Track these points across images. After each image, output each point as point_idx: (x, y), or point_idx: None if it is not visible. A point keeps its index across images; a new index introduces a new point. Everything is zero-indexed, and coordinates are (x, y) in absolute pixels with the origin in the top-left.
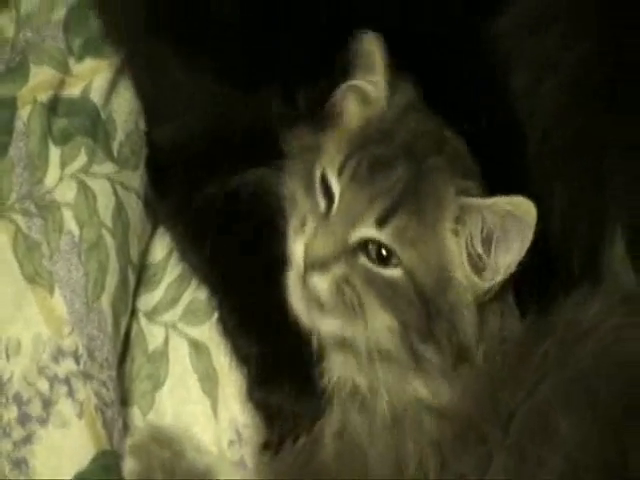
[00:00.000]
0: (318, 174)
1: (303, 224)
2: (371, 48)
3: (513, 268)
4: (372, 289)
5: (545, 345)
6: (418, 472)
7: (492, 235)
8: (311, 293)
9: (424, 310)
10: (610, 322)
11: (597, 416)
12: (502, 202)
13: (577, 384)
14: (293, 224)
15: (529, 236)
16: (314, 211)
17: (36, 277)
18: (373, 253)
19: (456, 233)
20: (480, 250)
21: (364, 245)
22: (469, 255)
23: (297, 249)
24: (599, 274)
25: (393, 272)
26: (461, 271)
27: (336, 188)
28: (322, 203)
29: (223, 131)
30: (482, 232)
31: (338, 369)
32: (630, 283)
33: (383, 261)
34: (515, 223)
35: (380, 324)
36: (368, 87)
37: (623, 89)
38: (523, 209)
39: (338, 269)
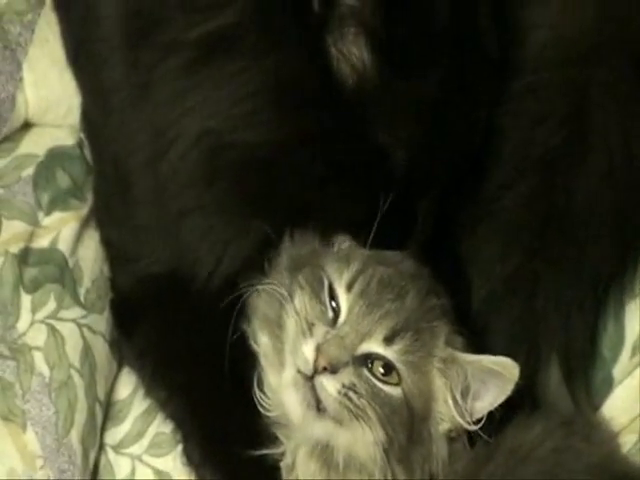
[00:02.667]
0: (326, 284)
1: (310, 326)
2: None
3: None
4: (374, 401)
5: (490, 468)
6: None
7: (471, 387)
8: (315, 395)
9: (409, 433)
10: (549, 445)
11: None
12: (487, 361)
13: None
14: (292, 328)
15: (509, 390)
16: (321, 317)
17: (9, 415)
18: (379, 368)
19: (443, 373)
20: (458, 397)
21: (370, 359)
22: (453, 396)
23: (308, 350)
24: (537, 400)
25: (393, 390)
26: (444, 407)
27: (343, 300)
28: (330, 310)
29: (184, 275)
30: (463, 383)
31: (302, 476)
32: (566, 408)
33: (385, 377)
34: (497, 380)
35: (370, 437)
36: None
37: (554, 232)
38: (508, 370)
39: (347, 376)
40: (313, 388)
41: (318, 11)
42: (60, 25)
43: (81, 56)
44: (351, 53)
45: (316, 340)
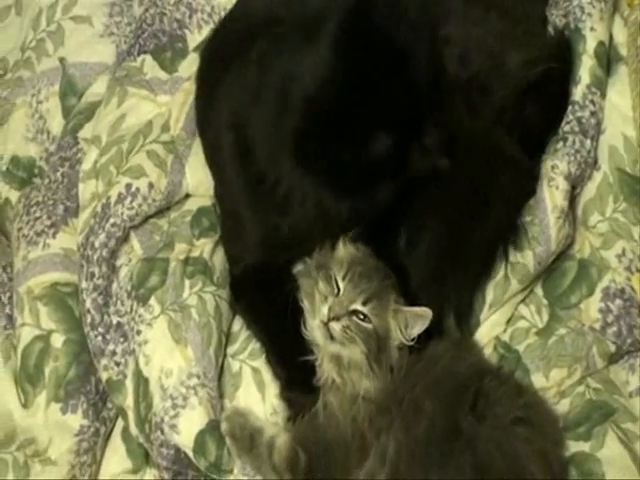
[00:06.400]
0: (332, 275)
1: (325, 298)
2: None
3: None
4: (359, 332)
5: (418, 365)
6: (360, 423)
7: (408, 322)
8: (329, 331)
9: (378, 347)
10: (448, 355)
11: (443, 399)
12: (416, 309)
13: (433, 385)
14: (318, 298)
15: (427, 323)
16: (330, 292)
17: (179, 339)
18: (360, 316)
19: (394, 317)
20: (402, 327)
21: (355, 312)
22: (400, 328)
23: (324, 309)
24: (443, 332)
25: (368, 326)
26: (395, 333)
27: (341, 283)
28: (335, 289)
29: (265, 267)
30: (404, 321)
31: (326, 372)
32: (457, 336)
33: (363, 321)
34: (421, 319)
35: (358, 350)
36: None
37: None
38: (427, 314)
39: (344, 321)
40: (327, 328)
41: None
42: (202, 143)
43: (213, 164)
44: None
45: (328, 304)
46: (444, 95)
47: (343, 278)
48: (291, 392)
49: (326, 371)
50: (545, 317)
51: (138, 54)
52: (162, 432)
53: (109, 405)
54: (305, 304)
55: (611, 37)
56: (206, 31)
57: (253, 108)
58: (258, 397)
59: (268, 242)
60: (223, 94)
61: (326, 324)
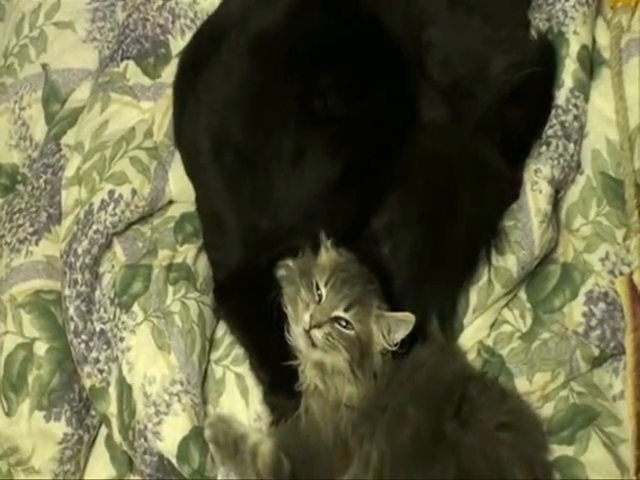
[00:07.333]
0: (314, 282)
1: (307, 305)
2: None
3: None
4: (341, 339)
5: (402, 371)
6: (343, 430)
7: (391, 327)
8: (311, 339)
9: (361, 353)
10: (432, 360)
11: (427, 405)
12: (399, 315)
13: (417, 391)
14: (300, 305)
15: (410, 328)
16: (312, 300)
17: (162, 346)
18: (342, 322)
19: (376, 322)
20: (385, 333)
21: (337, 319)
22: (382, 333)
23: (306, 316)
24: (427, 337)
25: (350, 332)
26: (378, 338)
27: (323, 290)
28: (316, 296)
29: (245, 271)
30: (387, 326)
31: (309, 378)
32: (441, 340)
33: (346, 327)
34: (404, 323)
35: (341, 357)
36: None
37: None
38: (409, 319)
39: (326, 328)
40: (309, 336)
41: None
42: (179, 149)
43: (192, 169)
44: None
45: (310, 312)
46: (426, 99)
47: (325, 284)
48: (274, 396)
49: (309, 377)
50: (529, 321)
51: (121, 60)
52: (145, 439)
53: (92, 413)
54: (288, 310)
55: (594, 40)
56: (189, 36)
57: (228, 108)
58: (242, 403)
59: (249, 242)
60: (197, 99)
61: (308, 332)
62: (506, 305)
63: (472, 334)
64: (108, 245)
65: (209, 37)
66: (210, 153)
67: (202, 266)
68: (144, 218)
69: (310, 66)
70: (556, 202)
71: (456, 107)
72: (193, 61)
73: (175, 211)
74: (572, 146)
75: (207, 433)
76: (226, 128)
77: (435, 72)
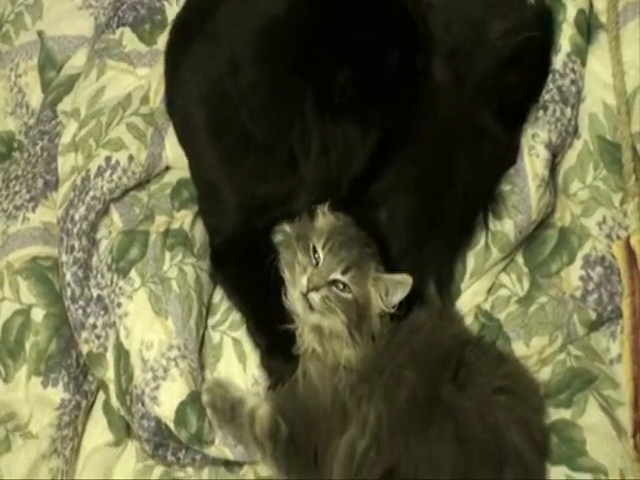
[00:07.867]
0: (312, 245)
1: (305, 268)
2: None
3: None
4: (339, 302)
5: (400, 334)
6: (341, 393)
7: (388, 290)
8: (309, 302)
9: (358, 315)
10: (430, 324)
11: (424, 368)
12: (396, 277)
13: (414, 354)
14: (297, 269)
15: (407, 291)
16: (309, 263)
17: (159, 312)
18: (339, 285)
19: (374, 285)
20: (383, 295)
21: (335, 282)
22: (380, 296)
23: (303, 280)
24: (424, 300)
25: (348, 295)
26: (376, 300)
27: (320, 253)
28: (313, 259)
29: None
30: (384, 288)
31: (307, 342)
32: (439, 305)
33: (343, 290)
34: (401, 285)
35: (338, 319)
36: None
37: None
38: (407, 280)
39: (323, 291)
40: (307, 299)
41: None
42: (171, 119)
43: (185, 137)
44: None
45: (307, 275)
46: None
47: (323, 247)
48: (271, 360)
49: (307, 341)
50: (526, 285)
51: (117, 27)
52: (143, 404)
53: (90, 378)
54: (286, 274)
55: (591, 4)
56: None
57: (220, 75)
58: (239, 368)
59: (245, 207)
60: (189, 67)
61: (305, 295)
62: (503, 269)
63: (469, 298)
64: (105, 211)
65: (202, 6)
66: (205, 125)
67: (199, 232)
68: (141, 184)
69: (316, 32)
70: (553, 166)
71: (458, 71)
72: (186, 29)
73: (172, 177)
74: (569, 110)
75: (204, 398)
76: (223, 102)
77: (438, 34)
